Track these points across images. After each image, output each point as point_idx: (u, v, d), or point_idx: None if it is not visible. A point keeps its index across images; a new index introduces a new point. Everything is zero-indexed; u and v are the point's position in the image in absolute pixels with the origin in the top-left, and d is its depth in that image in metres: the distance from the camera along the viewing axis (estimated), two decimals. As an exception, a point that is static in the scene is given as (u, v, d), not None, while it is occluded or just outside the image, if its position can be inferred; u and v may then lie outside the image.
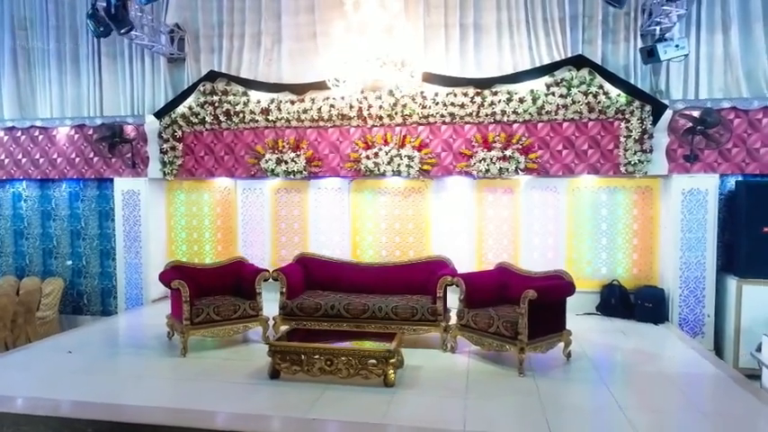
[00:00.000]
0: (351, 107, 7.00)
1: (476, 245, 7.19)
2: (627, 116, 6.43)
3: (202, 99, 7.37)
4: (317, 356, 4.52)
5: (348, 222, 7.51)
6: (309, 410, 3.97)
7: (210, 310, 5.37)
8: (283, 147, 7.25)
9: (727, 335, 6.41)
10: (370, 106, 6.94)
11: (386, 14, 5.71)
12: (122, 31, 5.84)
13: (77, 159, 7.90)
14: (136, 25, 6.65)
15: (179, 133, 7.53)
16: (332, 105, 7.03)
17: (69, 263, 8.30)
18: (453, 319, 5.52)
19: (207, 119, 7.35)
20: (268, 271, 5.84)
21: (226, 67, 7.55)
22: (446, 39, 7.02)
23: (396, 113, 6.91)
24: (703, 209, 6.42)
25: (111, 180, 7.90)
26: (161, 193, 8.01)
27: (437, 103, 6.79)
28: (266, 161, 7.25)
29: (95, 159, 7.85)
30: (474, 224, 7.19)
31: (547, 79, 6.60)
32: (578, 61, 6.51)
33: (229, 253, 7.84)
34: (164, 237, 8.06)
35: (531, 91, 6.60)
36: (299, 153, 7.20)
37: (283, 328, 5.68)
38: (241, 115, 7.28)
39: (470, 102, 6.72)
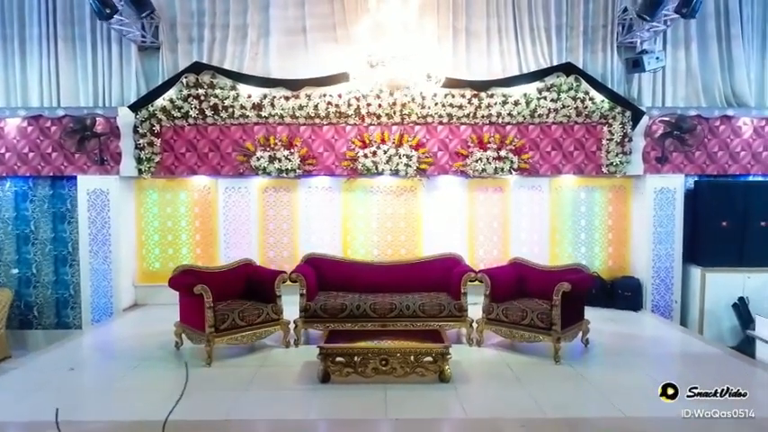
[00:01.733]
0: (349, 105, 6.92)
1: (467, 242, 7.42)
2: (609, 121, 6.99)
3: (186, 92, 6.89)
4: (370, 357, 4.46)
5: (339, 222, 7.41)
6: (387, 411, 3.91)
7: (236, 316, 5.07)
8: (275, 144, 6.99)
9: (691, 317, 7.20)
10: (368, 105, 6.91)
11: (406, 13, 5.72)
12: (143, 14, 5.31)
13: (31, 155, 7.03)
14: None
15: (157, 128, 6.97)
16: (329, 102, 6.90)
17: (15, 271, 7.36)
18: (472, 315, 5.65)
19: (191, 113, 6.88)
20: (286, 272, 5.61)
21: (207, 59, 7.12)
22: (439, 41, 7.17)
23: (395, 113, 6.94)
24: (672, 206, 7.16)
25: (72, 178, 7.14)
26: (130, 192, 7.36)
27: (436, 104, 6.92)
28: (257, 159, 6.95)
29: (54, 155, 7.04)
30: (466, 222, 7.42)
31: (538, 84, 6.98)
32: (567, 68, 6.96)
33: (209, 256, 7.43)
34: (133, 240, 7.42)
35: (525, 95, 6.95)
36: (292, 151, 6.98)
37: (311, 331, 5.53)
38: (230, 110, 6.90)
39: (468, 103, 6.93)
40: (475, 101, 6.93)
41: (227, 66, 7.10)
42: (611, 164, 7.01)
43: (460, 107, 6.94)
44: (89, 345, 5.75)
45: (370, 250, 7.43)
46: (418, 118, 6.97)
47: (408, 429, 3.68)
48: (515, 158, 7.00)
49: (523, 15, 7.23)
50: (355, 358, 4.45)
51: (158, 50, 7.21)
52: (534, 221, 7.48)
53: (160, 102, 6.92)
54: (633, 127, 6.96)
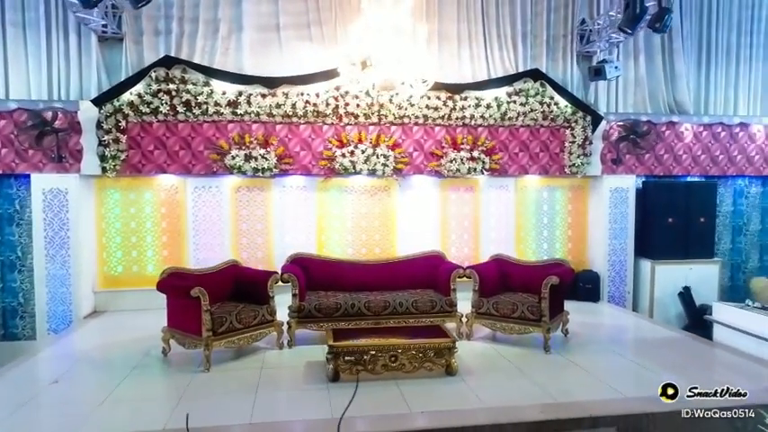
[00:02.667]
0: (327, 104, 6.90)
1: (440, 240, 7.62)
2: (572, 124, 7.46)
3: (155, 86, 6.57)
4: (380, 354, 4.51)
5: (314, 221, 7.37)
6: (409, 405, 4.00)
7: (233, 318, 4.94)
8: (251, 142, 6.84)
9: (642, 306, 7.84)
10: (347, 104, 6.93)
11: (396, 13, 5.80)
12: (140, 4, 5.00)
13: (-24, 151, 6.42)
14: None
15: (123, 124, 6.59)
16: (307, 101, 6.85)
17: (-47, 279, 6.69)
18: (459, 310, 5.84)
19: (162, 109, 6.58)
20: (278, 273, 5.52)
21: (175, 53, 6.82)
22: (414, 43, 7.30)
23: (372, 113, 7.01)
24: (625, 204, 7.77)
25: (23, 177, 6.60)
26: (90, 192, 6.91)
27: (412, 105, 7.07)
28: (233, 157, 6.77)
29: (4, 151, 6.46)
30: (438, 221, 7.62)
31: (508, 88, 7.32)
32: (534, 74, 7.35)
33: (177, 258, 7.12)
34: (93, 243, 6.96)
35: (496, 98, 7.26)
36: (268, 150, 6.86)
37: (299, 331, 5.48)
38: (204, 107, 6.67)
39: (443, 105, 7.14)
40: (450, 103, 7.15)
41: (196, 61, 6.84)
42: (573, 165, 7.49)
43: (436, 109, 7.13)
44: (61, 356, 5.33)
45: (345, 249, 7.44)
46: (395, 119, 7.09)
47: (438, 421, 3.76)
48: (487, 159, 7.30)
49: (491, 22, 7.55)
50: (365, 356, 4.49)
51: (121, 42, 6.83)
52: (501, 220, 7.82)
53: (127, 96, 6.55)
54: (593, 131, 7.48)
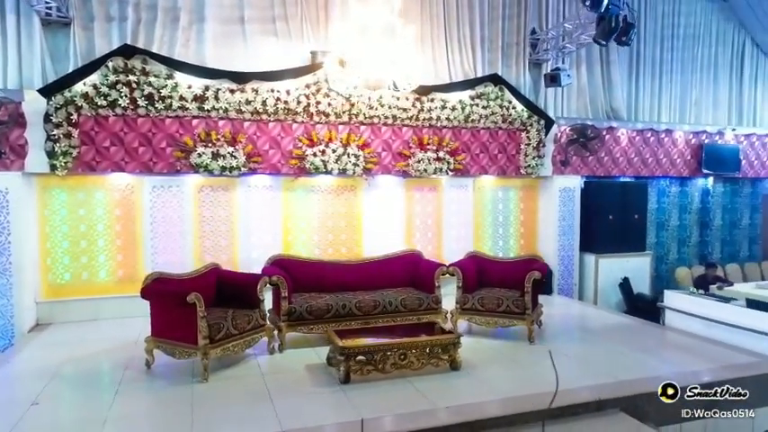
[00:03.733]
0: (298, 102, 6.76)
1: (405, 239, 7.73)
2: (528, 127, 7.90)
3: (113, 77, 6.06)
4: (390, 353, 4.54)
5: (280, 222, 7.17)
6: (431, 400, 4.07)
7: (229, 324, 4.71)
8: (218, 140, 6.52)
9: (587, 296, 8.49)
10: (318, 103, 6.83)
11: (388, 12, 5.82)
12: None
13: None
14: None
15: (75, 117, 6.01)
16: (278, 99, 6.66)
17: None
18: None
19: (121, 102, 6.08)
20: (269, 276, 5.33)
21: (131, 41, 6.35)
22: (382, 45, 7.35)
23: (343, 112, 6.97)
24: (572, 202, 8.36)
25: (-48, 174, 5.81)
26: (32, 192, 6.22)
27: (382, 105, 7.12)
28: (199, 155, 6.42)
29: (-72, 145, 5.64)
30: (404, 220, 7.73)
31: (470, 92, 7.60)
32: (494, 79, 7.70)
33: (131, 263, 6.63)
34: (35, 249, 6.27)
35: (460, 101, 7.51)
36: (237, 147, 6.58)
37: (290, 334, 5.34)
38: (168, 101, 6.26)
39: (412, 106, 7.26)
40: (418, 104, 7.29)
41: (154, 50, 6.40)
42: (529, 166, 7.95)
43: (405, 110, 7.24)
44: (23, 374, 4.75)
45: (312, 250, 7.31)
46: (365, 118, 7.09)
47: (465, 414, 3.86)
48: (452, 159, 7.53)
49: (452, 26, 7.80)
50: (376, 355, 4.49)
51: (68, 27, 6.22)
52: (461, 218, 8.09)
53: (80, 87, 5.98)
54: (546, 134, 7.98)
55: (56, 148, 5.92)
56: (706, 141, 9.21)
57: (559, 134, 8.18)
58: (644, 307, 7.76)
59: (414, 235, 7.82)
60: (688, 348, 5.52)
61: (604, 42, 5.83)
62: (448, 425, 3.76)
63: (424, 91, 7.29)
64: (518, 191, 8.45)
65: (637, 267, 8.53)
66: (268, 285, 5.34)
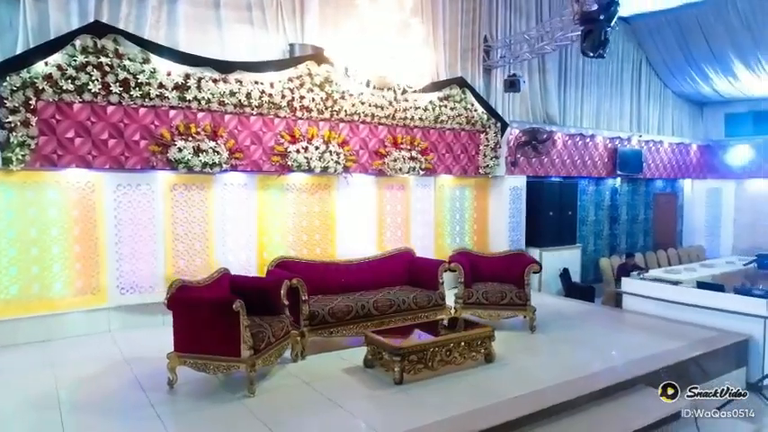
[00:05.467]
0: (283, 96, 6.43)
1: (377, 237, 7.72)
2: (487, 129, 8.34)
3: (82, 58, 5.24)
4: (437, 350, 4.58)
5: (255, 222, 6.75)
6: (493, 393, 4.19)
7: (269, 333, 4.37)
8: (198, 133, 5.96)
9: (533, 286, 9.15)
10: (302, 97, 6.56)
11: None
12: None
13: None
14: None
15: (33, 102, 5.09)
16: (263, 91, 6.27)
17: None
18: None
19: (91, 87, 5.28)
20: (290, 280, 5.01)
21: (94, 17, 5.55)
22: (356, 43, 7.27)
23: (326, 108, 6.77)
24: (520, 200, 8.99)
25: None
26: (-31, 190, 5.16)
27: (362, 103, 7.04)
28: (179, 150, 5.81)
29: None
30: (376, 218, 7.71)
31: (439, 93, 7.82)
32: (459, 82, 8.01)
33: (92, 272, 5.82)
34: (-26, 258, 5.21)
35: (431, 102, 7.70)
36: (218, 142, 6.08)
37: (312, 339, 5.10)
38: (146, 88, 5.57)
39: (389, 105, 7.28)
40: (395, 104, 7.32)
41: (120, 27, 5.67)
42: (487, 166, 8.40)
43: (382, 108, 7.23)
44: (19, 406, 3.95)
45: (287, 251, 6.98)
46: (346, 115, 6.96)
47: (530, 404, 4.02)
48: (423, 159, 7.69)
49: (427, 25, 7.94)
50: (427, 353, 4.50)
51: (17, -2, 5.26)
52: (425, 216, 8.28)
53: (41, 67, 5.09)
54: (501, 135, 8.48)
55: (12, 138, 4.97)
56: (619, 146, 10.48)
57: (511, 136, 8.74)
58: (578, 293, 8.68)
59: (385, 233, 7.83)
60: (657, 328, 6.24)
61: (592, 54, 6.42)
62: (526, 414, 3.91)
63: (400, 90, 7.36)
64: (472, 189, 8.86)
65: (571, 259, 9.44)
66: (286, 289, 5.03)
